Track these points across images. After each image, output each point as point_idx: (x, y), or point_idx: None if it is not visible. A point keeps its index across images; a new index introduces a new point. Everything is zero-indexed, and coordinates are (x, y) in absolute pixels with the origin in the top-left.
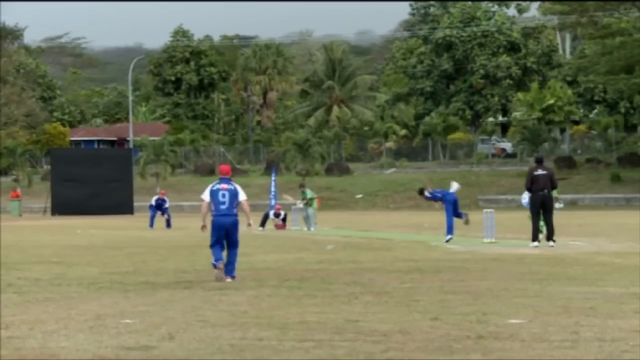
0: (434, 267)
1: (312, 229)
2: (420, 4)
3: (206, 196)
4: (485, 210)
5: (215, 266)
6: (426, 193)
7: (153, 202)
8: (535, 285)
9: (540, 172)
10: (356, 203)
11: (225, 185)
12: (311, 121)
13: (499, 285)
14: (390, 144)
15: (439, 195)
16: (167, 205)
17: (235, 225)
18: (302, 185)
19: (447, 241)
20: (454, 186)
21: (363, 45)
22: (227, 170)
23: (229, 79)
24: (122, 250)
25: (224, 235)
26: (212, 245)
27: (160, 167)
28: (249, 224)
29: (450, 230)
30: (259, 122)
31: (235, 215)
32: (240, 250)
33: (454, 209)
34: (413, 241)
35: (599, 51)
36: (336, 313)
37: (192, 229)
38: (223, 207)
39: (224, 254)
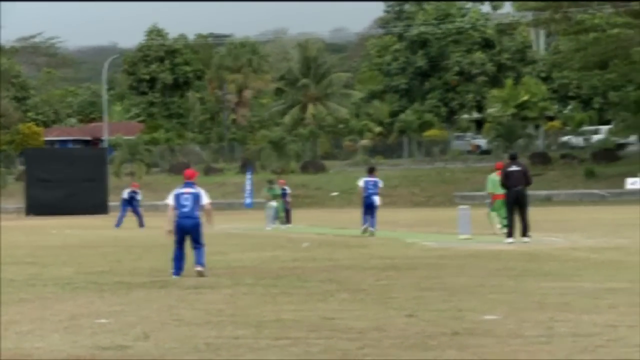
0: (410, 264)
1: (269, 227)
2: (394, 2)
3: (171, 200)
4: (460, 206)
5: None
6: None
7: (126, 195)
8: (511, 281)
9: (514, 168)
10: (332, 201)
11: (188, 189)
12: (286, 119)
13: (475, 282)
14: (365, 142)
15: None
16: (139, 197)
17: (197, 227)
18: (270, 182)
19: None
20: None
21: (338, 43)
22: (191, 175)
23: (204, 78)
24: (97, 250)
25: (186, 237)
26: (174, 252)
27: (135, 166)
28: (210, 226)
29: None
30: (234, 121)
31: (198, 217)
32: (216, 249)
33: None
34: (389, 238)
35: (573, 47)
36: (312, 311)
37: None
38: (185, 210)
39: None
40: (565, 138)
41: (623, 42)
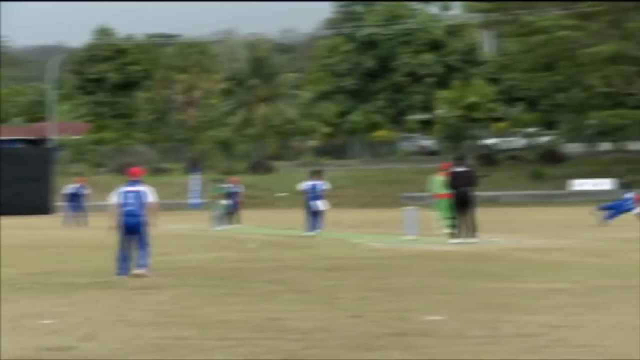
0: (356, 264)
1: (216, 228)
2: (344, 2)
3: (115, 198)
4: (407, 207)
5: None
6: None
7: (69, 191)
8: (456, 282)
9: (460, 169)
10: (280, 201)
11: (133, 188)
12: (235, 119)
13: (420, 282)
14: (313, 142)
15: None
16: (86, 192)
17: (142, 226)
18: (219, 181)
19: None
20: None
21: (287, 43)
22: (136, 173)
23: (152, 78)
24: (41, 251)
25: (131, 236)
26: (118, 252)
27: (81, 166)
28: (154, 225)
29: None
30: (182, 121)
31: (142, 216)
32: (162, 249)
33: None
34: (335, 239)
35: (521, 49)
36: (258, 311)
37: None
38: (129, 208)
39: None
40: (511, 139)
41: (570, 44)
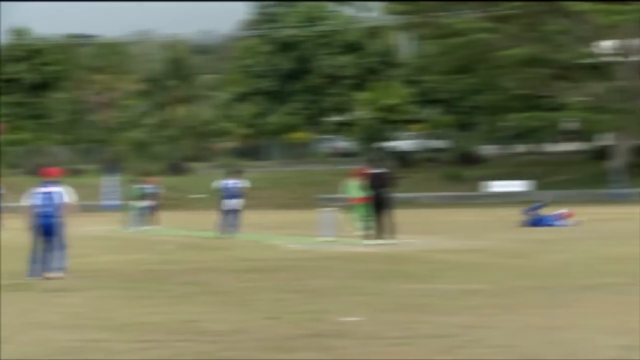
0: (273, 266)
1: (133, 229)
2: (262, 3)
3: (28, 200)
4: (324, 209)
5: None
6: None
7: None
8: (372, 283)
9: (378, 171)
10: (197, 203)
11: (48, 188)
12: (152, 120)
13: (337, 284)
14: (231, 144)
15: None
16: (3, 191)
17: (57, 227)
18: (138, 181)
19: None
20: None
21: (205, 45)
22: (53, 173)
23: (69, 78)
24: None
25: (46, 238)
26: (31, 254)
27: None
28: (70, 226)
29: None
30: (99, 122)
31: (58, 217)
32: (77, 251)
33: None
34: (252, 241)
35: (438, 51)
36: (174, 313)
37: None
38: (45, 209)
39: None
40: (429, 141)
41: (487, 46)
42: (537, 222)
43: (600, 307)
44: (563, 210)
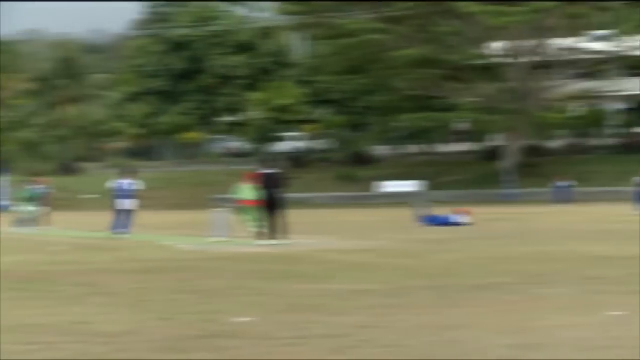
0: (165, 267)
1: (23, 230)
2: (154, 2)
3: None
4: (216, 209)
5: None
6: None
7: None
8: (265, 284)
9: (270, 171)
10: (88, 203)
11: None
12: (42, 120)
13: (230, 284)
14: (123, 144)
15: None
16: None
17: None
18: (28, 182)
19: None
20: None
21: (96, 44)
22: None
23: None
24: None
25: None
26: None
27: None
28: None
29: None
30: None
31: None
32: None
33: None
34: (144, 241)
35: (330, 52)
36: (65, 315)
37: None
38: None
39: None
40: (322, 141)
41: (379, 47)
42: (432, 221)
43: (491, 307)
44: (458, 211)
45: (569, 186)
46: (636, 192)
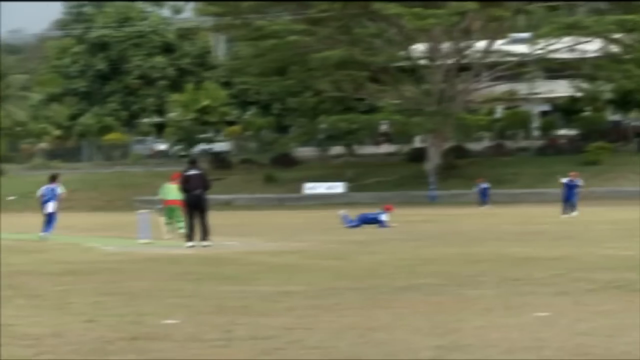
0: (89, 268)
1: None
2: (73, 3)
3: None
4: (140, 211)
5: None
6: None
7: None
8: (190, 285)
9: (193, 172)
10: (9, 205)
11: None
12: None
13: (155, 286)
14: (44, 145)
15: None
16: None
17: None
18: None
19: None
20: None
21: (15, 44)
22: None
23: None
24: None
25: None
26: None
27: None
28: None
29: None
30: None
31: None
32: None
33: None
34: (68, 243)
35: (253, 53)
36: None
37: None
38: None
39: None
40: (246, 143)
41: (301, 49)
42: (361, 221)
43: (416, 308)
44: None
45: (487, 188)
46: (565, 193)
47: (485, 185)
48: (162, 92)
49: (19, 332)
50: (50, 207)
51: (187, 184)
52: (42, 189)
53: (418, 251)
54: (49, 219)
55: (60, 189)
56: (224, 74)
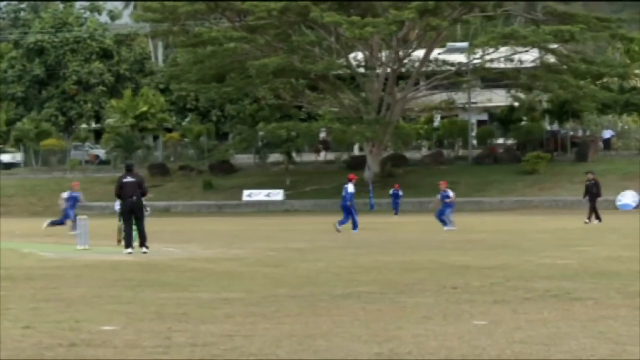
0: (26, 274)
1: None
2: (10, 7)
3: None
4: (78, 217)
5: None
6: None
7: None
8: (129, 292)
9: (129, 179)
10: None
11: None
12: None
13: (93, 293)
14: None
15: None
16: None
17: None
18: None
19: None
20: None
21: None
22: None
23: None
24: None
25: None
26: None
27: None
28: None
29: None
30: None
31: None
32: None
33: None
34: (4, 249)
35: (191, 60)
36: None
37: None
38: None
39: None
40: (184, 150)
41: (239, 56)
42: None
43: (355, 316)
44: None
45: (399, 195)
46: (440, 203)
47: (398, 191)
48: (100, 98)
49: None
50: None
51: (122, 191)
52: None
53: (357, 259)
54: None
55: None
56: (163, 81)
